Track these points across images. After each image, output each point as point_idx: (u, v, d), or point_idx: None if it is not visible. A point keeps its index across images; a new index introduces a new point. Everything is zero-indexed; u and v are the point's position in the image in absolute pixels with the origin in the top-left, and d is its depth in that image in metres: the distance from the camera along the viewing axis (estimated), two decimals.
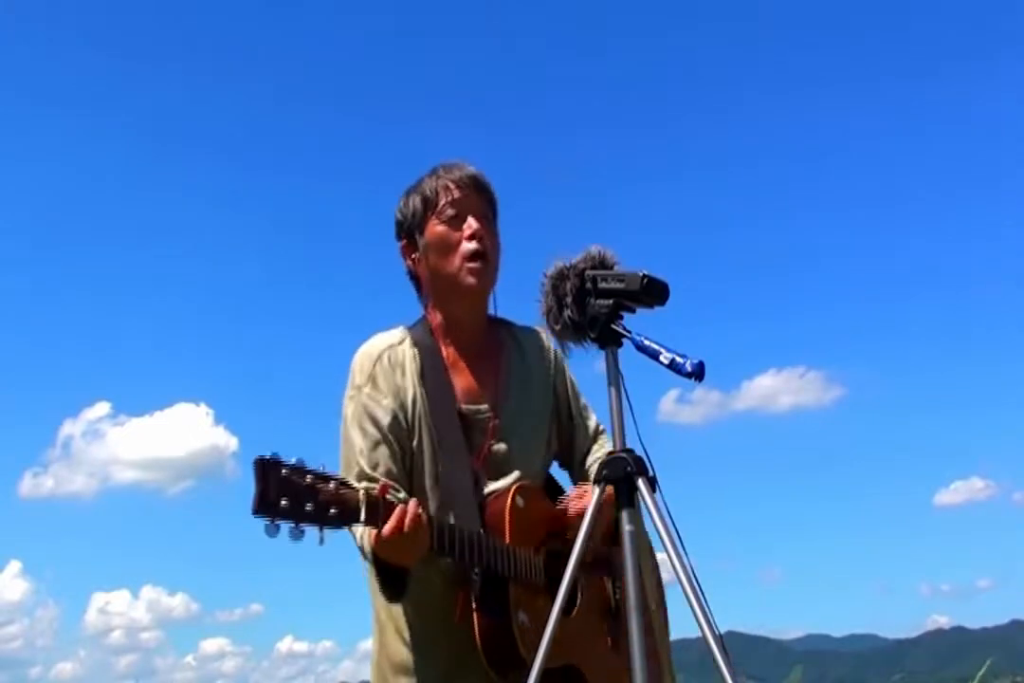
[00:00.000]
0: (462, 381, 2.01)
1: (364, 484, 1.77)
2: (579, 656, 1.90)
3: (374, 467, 1.88)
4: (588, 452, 2.18)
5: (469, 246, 1.96)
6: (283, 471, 1.50)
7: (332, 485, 1.57)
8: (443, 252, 1.97)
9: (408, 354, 1.99)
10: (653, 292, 1.71)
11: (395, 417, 1.92)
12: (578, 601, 1.97)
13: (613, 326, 1.70)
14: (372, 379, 1.94)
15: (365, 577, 1.99)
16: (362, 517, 1.60)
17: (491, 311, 2.10)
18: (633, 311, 1.74)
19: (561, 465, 2.20)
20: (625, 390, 1.70)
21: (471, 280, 1.96)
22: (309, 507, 1.51)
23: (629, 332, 1.69)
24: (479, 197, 2.01)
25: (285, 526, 1.49)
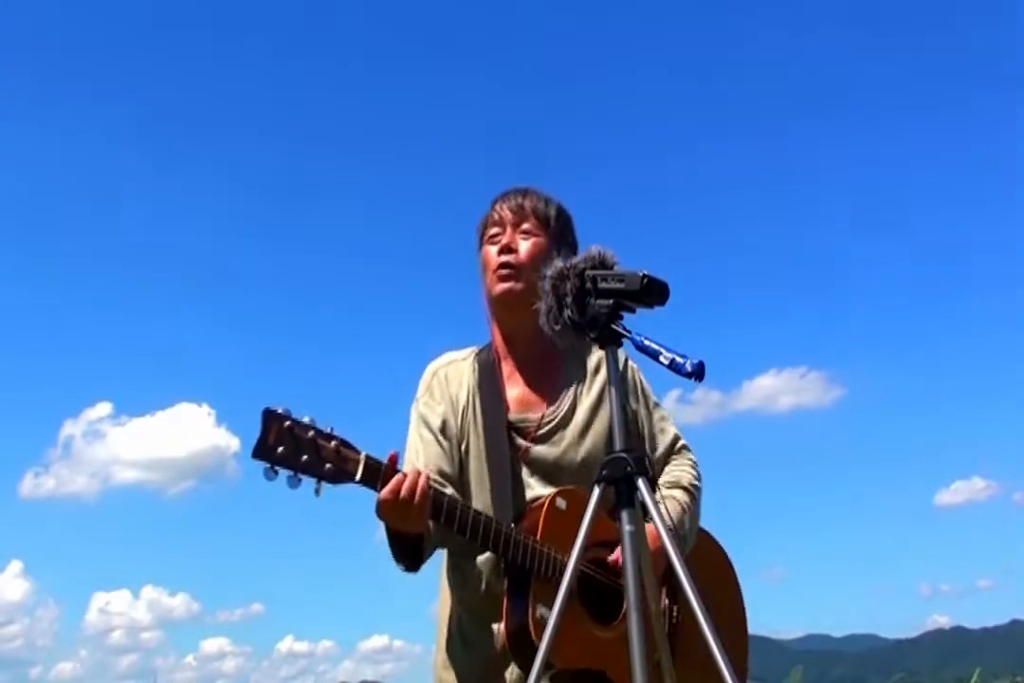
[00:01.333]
0: (516, 393, 2.12)
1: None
2: (610, 664, 1.90)
3: (426, 465, 2.01)
4: (662, 468, 2.19)
5: (496, 259, 2.10)
6: (286, 423, 1.64)
7: (334, 443, 1.69)
8: (484, 270, 2.14)
9: (468, 369, 2.15)
10: (653, 292, 1.71)
11: (445, 422, 2.07)
12: (623, 612, 1.97)
13: (613, 326, 1.70)
14: (429, 390, 2.13)
15: (438, 577, 2.15)
16: (358, 476, 1.71)
17: None
18: (633, 311, 1.74)
19: None
20: (625, 390, 1.70)
21: (498, 287, 2.09)
22: (305, 458, 1.63)
23: (629, 332, 1.69)
24: (522, 220, 2.13)
25: (283, 473, 1.62)
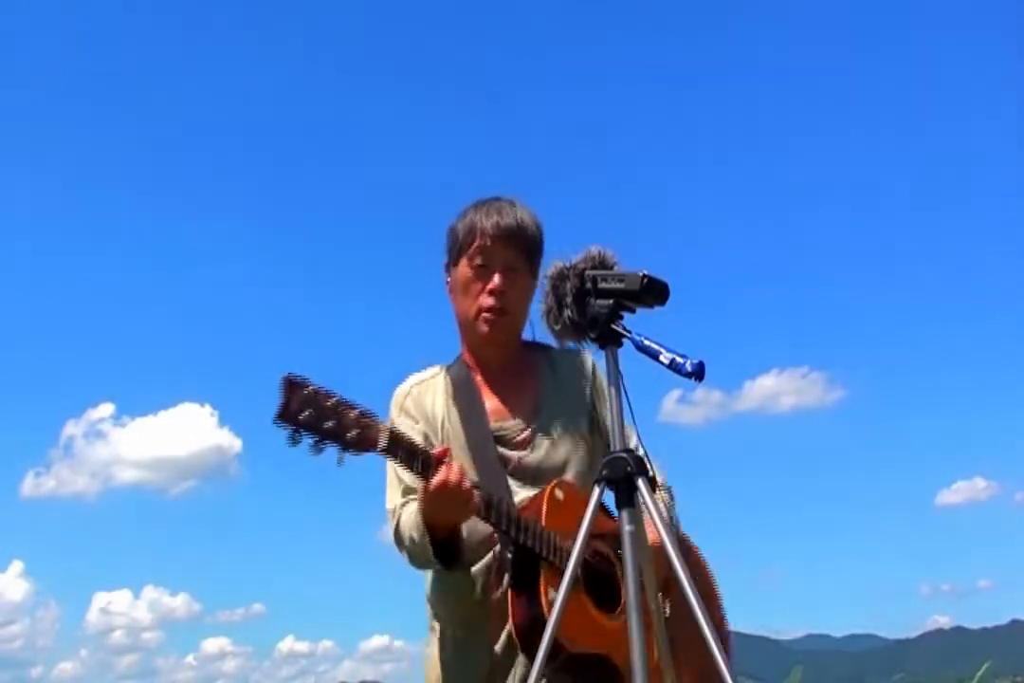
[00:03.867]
0: (493, 403, 2.10)
1: (407, 497, 1.96)
2: (613, 649, 1.89)
3: (413, 482, 1.96)
4: None
5: (487, 301, 2.06)
6: (308, 389, 1.58)
7: (356, 412, 1.64)
8: (465, 295, 2.09)
9: (441, 384, 2.13)
10: (653, 292, 1.71)
11: (426, 437, 2.04)
12: (623, 602, 1.99)
13: (613, 326, 1.70)
14: (404, 410, 2.10)
15: (423, 584, 2.11)
16: (380, 445, 1.67)
17: (529, 336, 2.18)
18: (633, 311, 1.74)
19: None
20: (625, 390, 1.70)
21: (484, 328, 2.08)
22: (329, 424, 1.59)
23: (629, 332, 1.69)
24: (511, 248, 2.07)
25: (306, 439, 1.58)
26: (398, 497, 2.01)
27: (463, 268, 2.08)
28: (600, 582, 1.95)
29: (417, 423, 2.07)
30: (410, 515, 1.92)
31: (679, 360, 1.60)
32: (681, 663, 1.83)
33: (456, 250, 2.10)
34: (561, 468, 2.07)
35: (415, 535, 1.89)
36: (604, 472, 1.64)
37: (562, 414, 2.12)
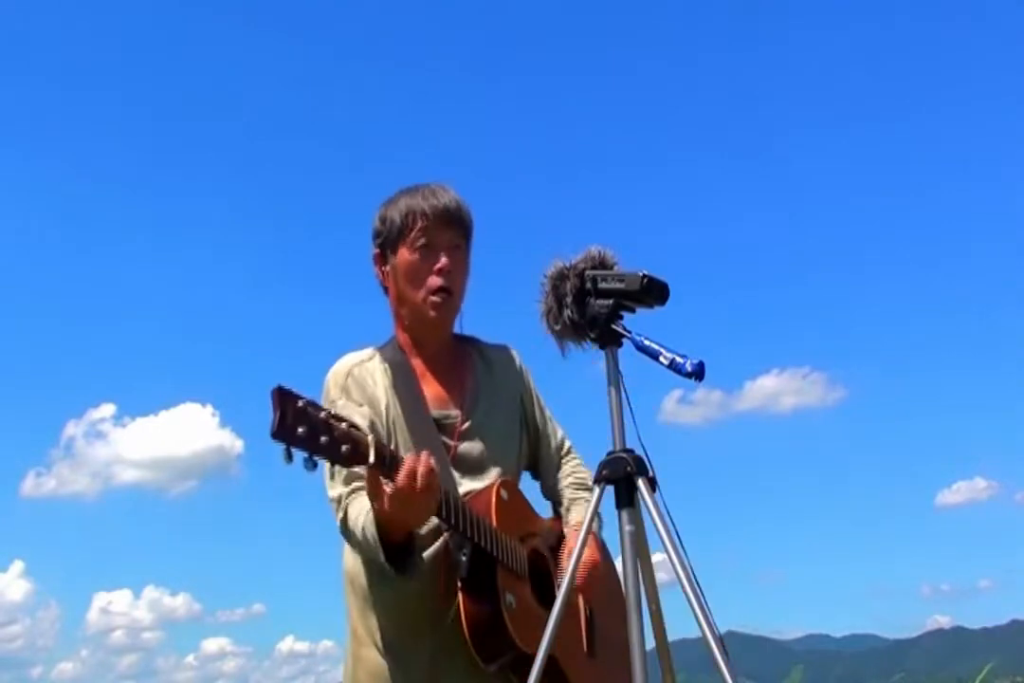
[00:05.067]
0: (432, 390, 2.07)
1: (353, 484, 1.86)
2: (560, 650, 1.87)
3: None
4: (558, 468, 2.21)
5: (436, 281, 2.02)
6: (300, 402, 1.53)
7: (344, 425, 1.60)
8: (410, 281, 2.04)
9: (379, 368, 2.06)
10: (653, 292, 1.71)
11: (373, 423, 1.96)
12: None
13: (613, 326, 1.70)
14: (346, 391, 2.01)
15: (342, 583, 2.04)
16: (371, 459, 1.61)
17: (457, 329, 2.16)
18: (633, 311, 1.74)
19: (533, 476, 2.24)
20: (625, 390, 1.70)
21: (432, 313, 2.04)
22: (324, 440, 1.53)
23: (629, 332, 1.69)
24: (453, 229, 2.05)
25: (299, 455, 1.51)
26: (341, 486, 1.91)
27: (404, 254, 2.03)
28: (542, 577, 1.97)
29: (361, 406, 1.99)
30: (361, 513, 1.82)
31: (679, 360, 1.60)
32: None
33: (394, 237, 2.05)
34: (499, 460, 2.06)
35: (369, 538, 1.79)
36: (604, 472, 1.64)
37: (498, 407, 2.11)
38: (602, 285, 1.73)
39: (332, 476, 1.94)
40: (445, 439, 2.03)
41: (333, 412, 1.59)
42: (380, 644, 1.96)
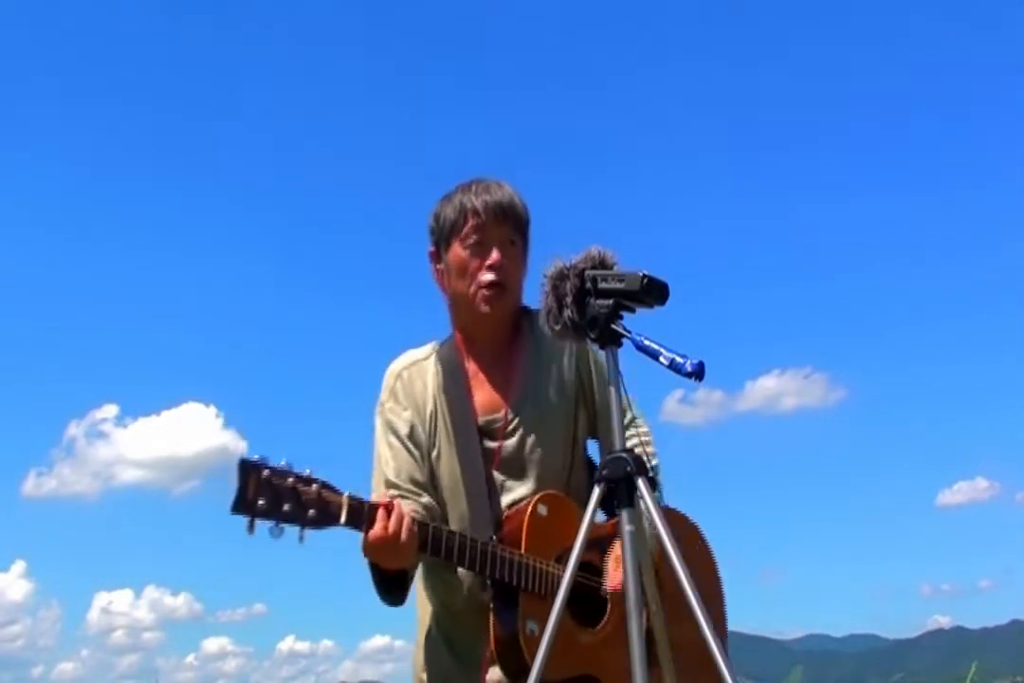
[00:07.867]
0: (482, 394, 2.08)
1: (388, 492, 1.94)
2: (600, 668, 1.90)
3: (397, 474, 2.00)
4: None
5: (487, 277, 2.04)
6: (264, 473, 1.60)
7: (315, 487, 1.65)
8: (462, 276, 2.06)
9: (432, 370, 2.10)
10: (653, 292, 1.71)
11: (413, 428, 2.03)
12: (608, 615, 1.99)
13: (613, 326, 1.70)
14: (393, 394, 2.07)
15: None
16: (342, 519, 1.68)
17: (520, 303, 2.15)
18: (633, 311, 1.74)
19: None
20: (625, 390, 1.70)
21: (485, 308, 2.05)
22: (287, 507, 1.60)
23: (629, 332, 1.69)
24: (506, 224, 2.06)
25: (265, 525, 1.59)
26: (378, 492, 2.02)
27: (457, 251, 2.05)
28: (580, 595, 1.93)
29: (405, 411, 2.05)
30: None
31: (679, 360, 1.59)
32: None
33: (447, 233, 2.07)
34: (547, 457, 2.05)
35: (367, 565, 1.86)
36: (604, 472, 1.64)
37: (548, 395, 2.10)
38: (602, 285, 1.72)
39: (374, 481, 2.04)
40: (489, 443, 2.03)
41: (303, 475, 1.65)
42: (434, 630, 2.09)
